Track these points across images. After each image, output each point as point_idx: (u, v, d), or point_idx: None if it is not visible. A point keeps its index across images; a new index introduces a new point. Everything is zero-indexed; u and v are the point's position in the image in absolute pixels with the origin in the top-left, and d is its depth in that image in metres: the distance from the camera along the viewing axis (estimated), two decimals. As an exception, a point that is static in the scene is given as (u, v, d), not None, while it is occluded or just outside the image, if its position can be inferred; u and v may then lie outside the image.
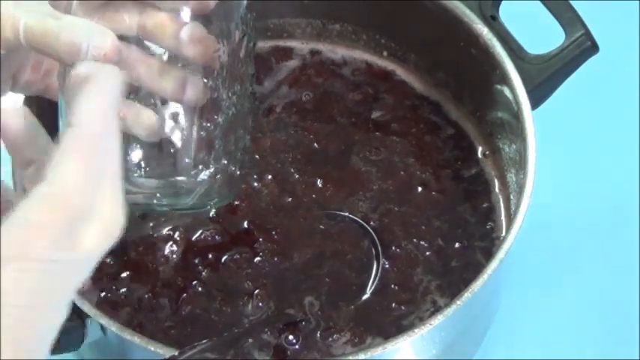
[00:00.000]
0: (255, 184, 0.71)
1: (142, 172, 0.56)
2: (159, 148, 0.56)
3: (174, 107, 0.56)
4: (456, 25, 0.70)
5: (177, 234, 0.69)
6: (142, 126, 0.56)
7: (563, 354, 0.74)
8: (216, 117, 0.56)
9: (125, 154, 0.56)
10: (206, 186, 0.56)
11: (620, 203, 0.81)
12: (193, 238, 0.68)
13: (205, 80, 0.55)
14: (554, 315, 0.76)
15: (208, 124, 0.56)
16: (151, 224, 0.69)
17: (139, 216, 0.69)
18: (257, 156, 0.72)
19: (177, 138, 0.56)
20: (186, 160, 0.56)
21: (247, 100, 0.57)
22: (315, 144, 0.74)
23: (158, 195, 0.56)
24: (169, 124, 0.56)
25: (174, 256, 0.68)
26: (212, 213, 0.69)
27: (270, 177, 0.71)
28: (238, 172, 0.58)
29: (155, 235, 0.69)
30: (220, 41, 0.55)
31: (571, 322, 0.76)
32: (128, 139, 0.56)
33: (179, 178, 0.56)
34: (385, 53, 0.78)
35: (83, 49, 0.50)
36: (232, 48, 0.56)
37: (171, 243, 0.68)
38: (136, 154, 0.56)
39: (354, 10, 0.77)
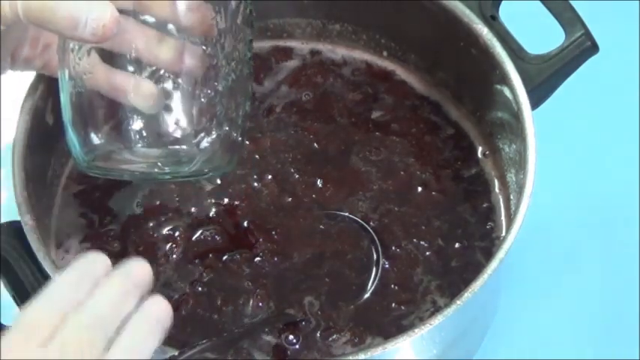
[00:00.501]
0: (255, 184, 0.71)
1: (144, 142, 0.56)
2: (160, 118, 0.56)
3: (174, 77, 0.56)
4: (456, 25, 0.70)
5: (177, 234, 0.69)
6: (142, 97, 0.56)
7: (563, 354, 0.74)
8: (215, 84, 0.56)
9: (127, 124, 0.56)
10: (208, 153, 0.57)
11: (620, 203, 0.81)
12: (193, 238, 0.68)
13: (204, 48, 0.56)
14: (554, 315, 0.76)
15: (208, 92, 0.56)
16: (151, 224, 0.69)
17: (139, 215, 0.69)
18: (257, 156, 0.72)
19: (178, 107, 0.56)
20: (188, 129, 0.56)
21: (246, 66, 0.58)
22: (315, 144, 0.74)
23: (160, 164, 0.57)
24: (170, 94, 0.56)
25: (174, 256, 0.68)
26: (212, 213, 0.69)
27: (270, 177, 0.71)
28: (240, 139, 0.58)
29: (155, 235, 0.69)
30: (217, 9, 0.55)
31: (571, 322, 0.76)
32: (129, 110, 0.56)
33: (181, 147, 0.56)
34: (385, 53, 0.78)
35: (82, 22, 0.50)
36: (229, 15, 0.56)
37: (171, 243, 0.68)
38: (138, 125, 0.56)
39: (354, 10, 0.77)
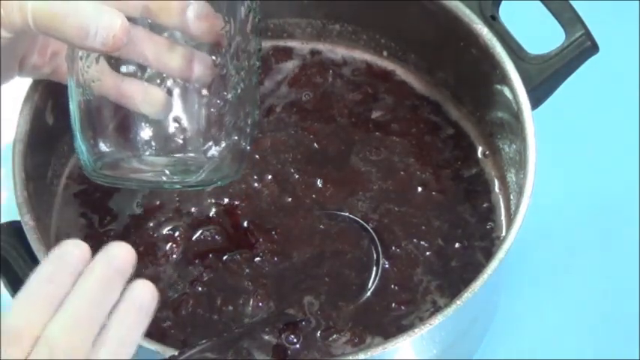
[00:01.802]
0: (256, 184, 0.71)
1: (152, 150, 0.56)
2: (169, 126, 0.56)
3: (183, 85, 0.56)
4: (456, 25, 0.70)
5: (177, 234, 0.69)
6: (150, 104, 0.56)
7: (563, 354, 0.74)
8: (225, 94, 0.56)
9: (135, 132, 0.56)
10: (216, 162, 0.57)
11: (620, 203, 0.81)
12: (193, 238, 0.68)
13: (214, 58, 0.56)
14: (554, 315, 0.76)
15: (218, 101, 0.56)
16: (151, 224, 0.69)
17: (139, 215, 0.70)
18: (257, 156, 0.72)
19: (186, 115, 0.56)
20: (197, 137, 0.56)
21: (255, 76, 0.58)
22: (315, 144, 0.74)
23: (168, 172, 0.57)
24: (178, 101, 0.56)
25: (174, 256, 0.68)
26: (212, 213, 0.69)
27: (270, 177, 0.71)
28: (248, 148, 0.58)
29: (155, 235, 0.69)
30: (227, 18, 0.55)
31: (571, 322, 0.76)
32: (138, 118, 0.56)
33: (189, 155, 0.56)
34: (385, 53, 0.78)
35: (92, 32, 0.50)
36: (238, 23, 0.56)
37: (171, 243, 0.68)
38: (146, 133, 0.56)
39: (354, 10, 0.77)
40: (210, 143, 0.56)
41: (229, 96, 0.56)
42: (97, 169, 0.57)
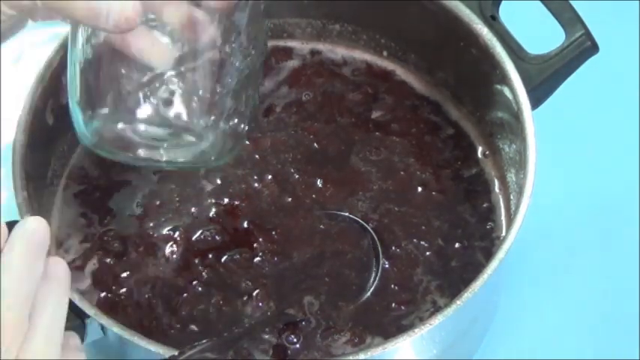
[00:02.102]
0: (256, 184, 0.71)
1: (146, 119, 0.55)
2: (166, 98, 0.56)
3: (186, 60, 0.55)
4: (456, 25, 0.70)
5: (177, 234, 0.69)
6: (156, 55, 0.54)
7: (563, 354, 0.74)
8: (229, 80, 0.56)
9: (130, 99, 0.56)
10: (211, 140, 0.56)
11: (620, 203, 0.81)
12: (193, 238, 0.68)
13: (221, 46, 0.55)
14: (554, 315, 0.76)
15: (221, 87, 0.56)
16: (151, 224, 0.69)
17: (139, 215, 0.70)
18: (257, 156, 0.72)
19: (185, 90, 0.56)
20: (193, 113, 0.56)
21: (259, 60, 0.57)
22: (315, 144, 0.74)
23: (163, 147, 0.56)
24: (179, 76, 0.56)
25: (174, 256, 0.68)
26: (212, 213, 0.69)
27: (270, 177, 0.71)
28: (246, 129, 0.58)
29: (155, 235, 0.69)
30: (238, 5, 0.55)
31: (571, 322, 0.76)
32: (135, 85, 0.55)
33: (184, 125, 0.56)
34: (385, 53, 0.78)
35: (103, 14, 0.49)
36: (249, 8, 0.56)
37: (171, 243, 0.68)
38: (141, 100, 0.56)
39: (354, 10, 0.77)
40: (207, 121, 0.56)
41: (233, 81, 0.56)
42: (92, 134, 0.56)
